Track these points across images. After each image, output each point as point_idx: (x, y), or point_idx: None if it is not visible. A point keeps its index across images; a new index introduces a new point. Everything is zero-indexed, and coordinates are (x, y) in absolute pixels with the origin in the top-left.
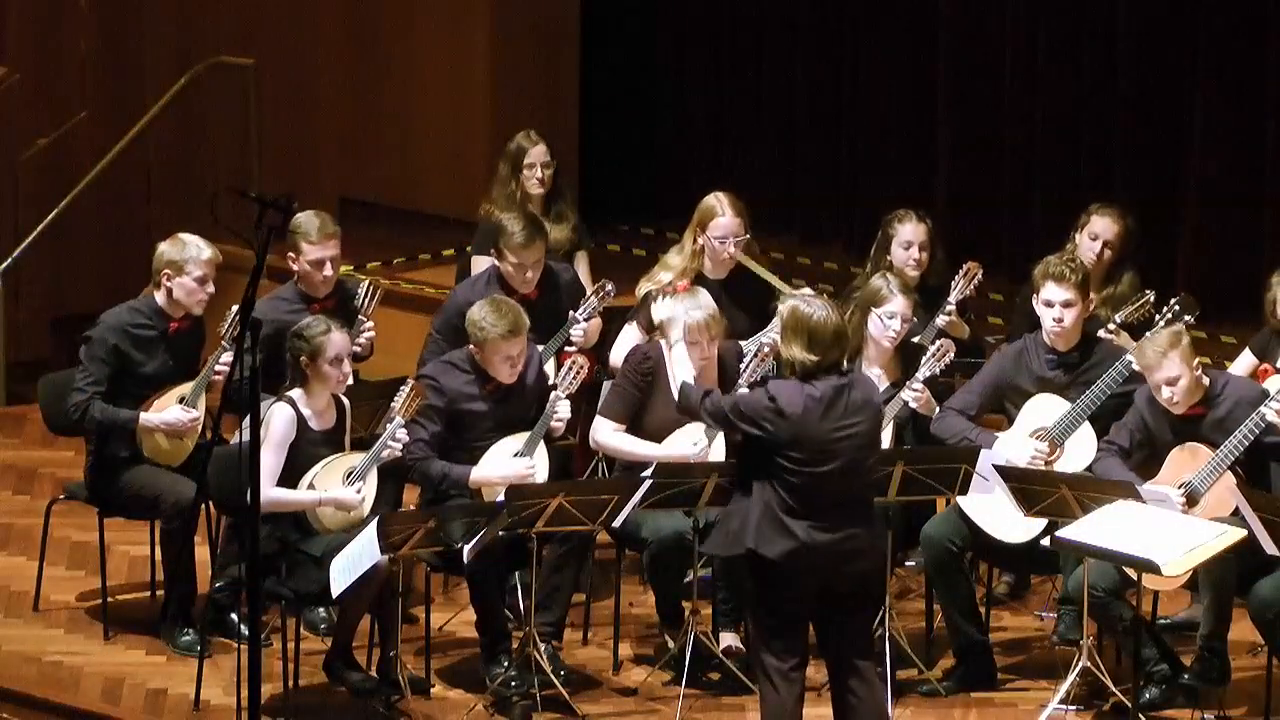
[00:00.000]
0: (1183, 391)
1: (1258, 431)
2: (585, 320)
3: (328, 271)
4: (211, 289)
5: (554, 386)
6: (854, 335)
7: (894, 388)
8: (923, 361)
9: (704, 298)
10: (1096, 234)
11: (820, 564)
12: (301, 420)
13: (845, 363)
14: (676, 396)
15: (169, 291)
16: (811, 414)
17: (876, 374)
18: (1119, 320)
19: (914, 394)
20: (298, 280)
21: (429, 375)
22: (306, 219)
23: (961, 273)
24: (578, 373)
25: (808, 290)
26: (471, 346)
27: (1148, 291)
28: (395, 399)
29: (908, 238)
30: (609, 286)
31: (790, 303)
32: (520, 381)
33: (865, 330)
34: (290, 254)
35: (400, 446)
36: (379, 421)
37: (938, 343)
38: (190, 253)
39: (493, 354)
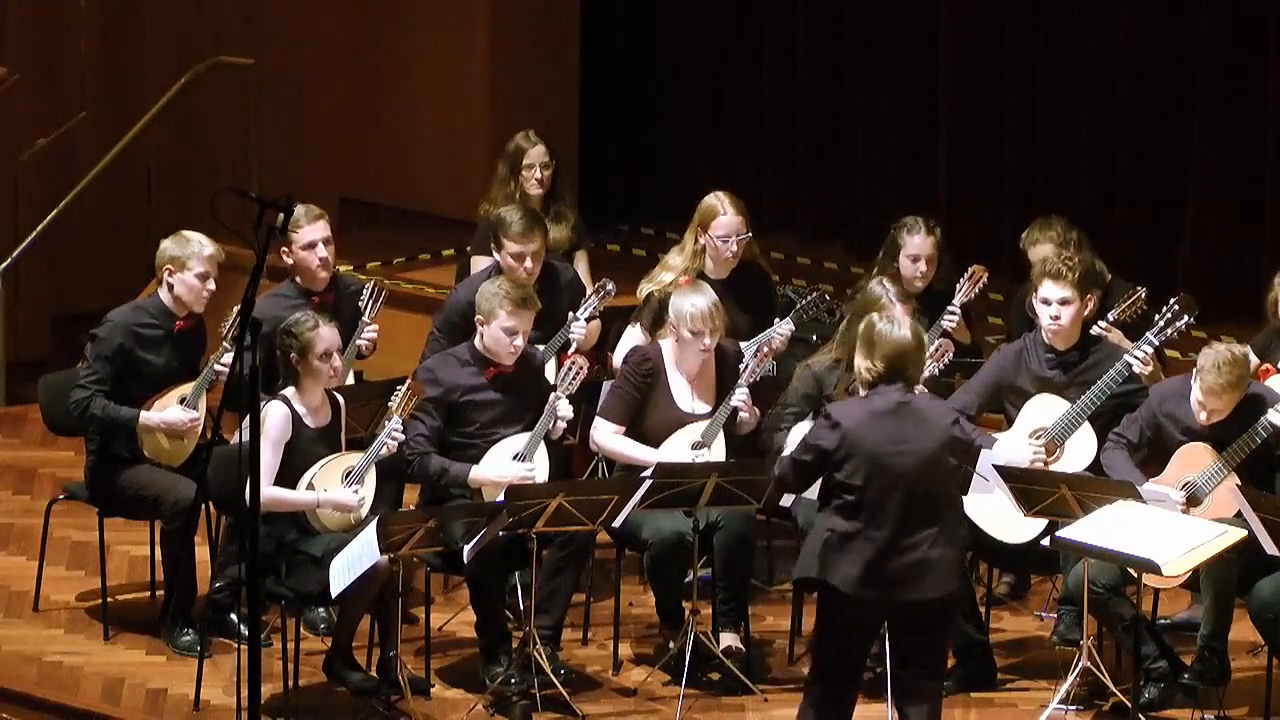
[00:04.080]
0: (1224, 415)
1: (1264, 436)
2: (586, 320)
3: (321, 253)
4: (213, 286)
5: (554, 388)
6: (851, 342)
7: None
8: None
9: (705, 288)
10: (916, 254)
11: (885, 587)
12: (296, 418)
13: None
14: (774, 478)
15: (171, 288)
16: (866, 427)
17: None
18: (1111, 318)
19: None
20: (295, 276)
21: (427, 368)
22: None
23: (966, 276)
24: (577, 373)
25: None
26: (478, 318)
27: (1139, 288)
28: (392, 398)
29: (915, 251)
30: (609, 286)
31: (871, 318)
32: (519, 371)
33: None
34: (283, 249)
35: (397, 445)
36: (379, 422)
37: (936, 343)
38: (192, 249)
39: (498, 324)
